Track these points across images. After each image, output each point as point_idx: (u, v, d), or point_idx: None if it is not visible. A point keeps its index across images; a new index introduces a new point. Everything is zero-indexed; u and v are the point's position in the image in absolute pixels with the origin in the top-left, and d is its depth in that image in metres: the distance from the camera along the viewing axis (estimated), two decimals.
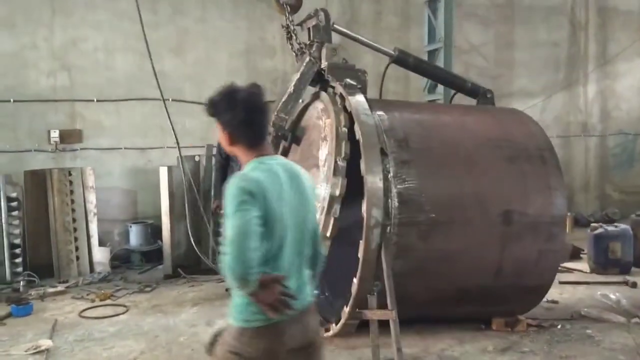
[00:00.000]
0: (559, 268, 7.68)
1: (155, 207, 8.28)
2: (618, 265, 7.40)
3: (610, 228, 7.61)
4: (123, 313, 6.08)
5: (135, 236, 8.48)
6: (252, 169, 2.36)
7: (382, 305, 4.37)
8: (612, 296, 6.14)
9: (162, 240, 8.09)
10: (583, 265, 7.86)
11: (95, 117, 8.76)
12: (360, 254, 4.37)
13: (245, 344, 2.30)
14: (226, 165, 6.93)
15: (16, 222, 7.56)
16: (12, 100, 8.21)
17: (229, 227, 2.16)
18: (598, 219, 10.76)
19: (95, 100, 8.74)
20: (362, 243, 4.36)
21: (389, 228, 4.47)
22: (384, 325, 4.33)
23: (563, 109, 12.06)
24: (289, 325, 2.33)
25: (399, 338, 4.18)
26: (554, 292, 6.49)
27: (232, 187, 2.24)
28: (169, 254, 7.83)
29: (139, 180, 8.91)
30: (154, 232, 8.49)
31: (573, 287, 6.85)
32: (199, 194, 8.30)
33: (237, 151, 2.46)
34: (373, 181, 4.40)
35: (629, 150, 12.17)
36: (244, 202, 2.19)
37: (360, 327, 4.71)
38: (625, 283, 6.86)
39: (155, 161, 8.81)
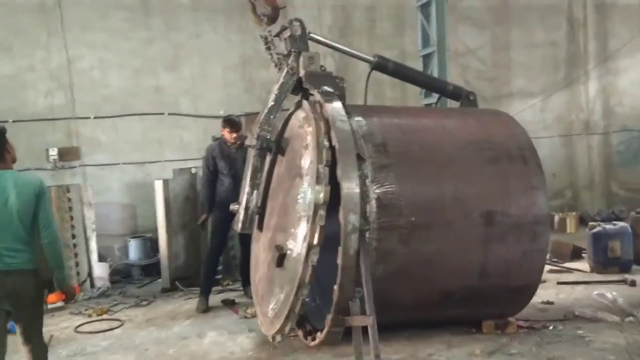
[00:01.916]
0: (559, 268, 7.69)
1: (155, 221, 8.36)
2: (618, 263, 7.29)
3: (608, 226, 7.51)
4: (117, 327, 6.14)
5: (134, 250, 8.57)
6: None
7: (365, 311, 4.35)
8: (609, 295, 6.04)
9: None
10: (584, 264, 7.77)
11: (92, 134, 8.91)
12: (339, 261, 4.36)
13: None
14: (214, 180, 6.84)
15: None
16: (10, 120, 8.38)
17: None
18: (605, 218, 10.62)
19: (92, 117, 8.89)
20: (340, 249, 4.34)
21: (367, 233, 4.45)
22: None
23: (564, 107, 11.97)
24: None
25: (378, 344, 4.15)
26: (551, 293, 6.46)
27: None
28: (167, 267, 7.88)
29: (138, 194, 9.03)
30: (153, 245, 8.56)
31: (571, 287, 6.77)
32: (196, 206, 8.38)
33: None
34: (349, 187, 4.39)
35: (633, 147, 11.97)
36: None
37: (348, 334, 4.70)
38: (624, 282, 6.76)
39: (153, 175, 8.90)
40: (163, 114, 9.29)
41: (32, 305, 3.95)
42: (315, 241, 4.41)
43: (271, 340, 5.00)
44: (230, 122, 6.86)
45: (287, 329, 4.74)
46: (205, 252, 7.19)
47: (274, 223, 5.25)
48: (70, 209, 7.95)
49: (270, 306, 4.96)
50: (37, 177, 4.27)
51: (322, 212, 4.44)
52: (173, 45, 9.48)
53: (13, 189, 3.85)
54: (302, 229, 4.58)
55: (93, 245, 8.11)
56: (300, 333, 5.10)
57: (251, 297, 6.79)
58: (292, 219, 4.82)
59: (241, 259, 7.09)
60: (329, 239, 4.45)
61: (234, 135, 6.79)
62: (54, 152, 8.61)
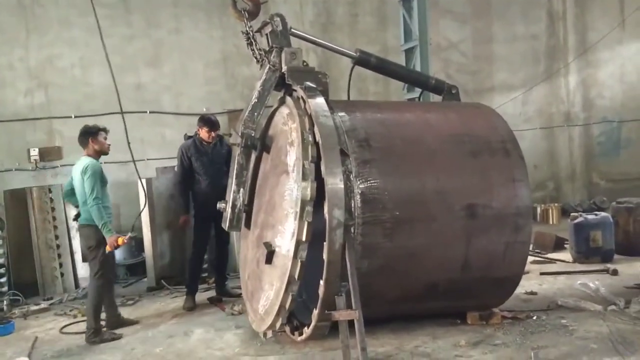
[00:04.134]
0: (542, 259, 7.78)
1: (139, 220, 8.29)
2: (599, 253, 7.40)
3: (590, 217, 7.62)
4: (103, 327, 6.08)
5: (119, 250, 8.36)
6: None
7: (351, 306, 4.37)
8: (592, 285, 6.13)
9: None
10: (566, 255, 7.87)
11: (74, 133, 8.60)
12: (324, 256, 4.37)
13: None
14: (190, 179, 6.70)
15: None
16: None
17: None
18: (586, 208, 10.77)
19: (73, 116, 8.78)
20: (325, 244, 4.36)
21: (352, 228, 4.47)
22: None
23: (545, 100, 12.10)
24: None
25: (364, 337, 4.18)
26: (534, 283, 6.54)
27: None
28: (152, 266, 7.85)
29: (121, 193, 8.91)
30: (138, 244, 8.49)
31: (554, 277, 6.85)
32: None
33: None
34: (333, 182, 4.40)
35: (614, 138, 12.17)
36: None
37: (335, 328, 4.71)
38: (606, 271, 6.86)
39: (136, 174, 8.81)
40: (145, 112, 9.22)
41: (88, 248, 5.72)
42: (304, 237, 4.43)
43: (262, 337, 5.01)
44: (210, 122, 6.73)
45: (278, 325, 4.76)
46: (189, 255, 7.04)
47: (261, 220, 5.25)
48: (53, 209, 7.89)
49: (261, 303, 4.97)
50: (88, 160, 5.67)
51: (309, 208, 4.46)
52: (153, 41, 9.41)
53: (76, 170, 5.66)
54: (290, 225, 4.59)
55: (77, 245, 8.05)
56: (287, 328, 5.12)
57: (229, 295, 6.83)
58: (280, 215, 4.82)
59: (215, 259, 7.05)
60: (314, 235, 4.47)
61: (213, 134, 6.70)
62: (35, 152, 8.51)
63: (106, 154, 5.93)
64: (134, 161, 6.15)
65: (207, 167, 6.66)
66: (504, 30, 11.76)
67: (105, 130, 5.95)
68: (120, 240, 5.54)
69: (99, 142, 5.79)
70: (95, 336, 5.54)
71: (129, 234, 5.70)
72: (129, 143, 6.06)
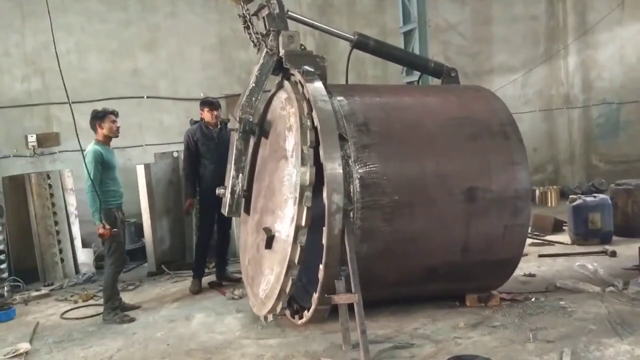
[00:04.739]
0: (541, 241, 7.81)
1: (138, 205, 8.30)
2: (598, 235, 7.43)
3: (588, 199, 7.63)
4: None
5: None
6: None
7: (351, 289, 4.39)
8: (590, 266, 6.17)
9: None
10: (565, 237, 7.90)
11: (71, 119, 8.72)
12: (324, 240, 4.39)
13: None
14: (196, 164, 6.74)
15: None
16: None
17: None
18: (585, 191, 10.78)
19: (70, 102, 8.72)
20: (325, 229, 4.37)
21: (351, 213, 4.48)
22: None
23: (544, 82, 12.05)
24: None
25: (364, 320, 4.20)
26: (533, 266, 6.57)
27: None
28: (152, 251, 7.87)
29: (120, 179, 8.92)
30: (138, 230, 8.51)
31: (552, 259, 6.89)
32: (180, 190, 8.32)
33: None
34: (332, 167, 4.40)
35: (613, 120, 12.13)
36: None
37: (336, 312, 4.74)
38: (605, 253, 6.89)
39: (134, 159, 8.82)
40: (142, 97, 9.18)
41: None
42: (303, 222, 4.44)
43: (263, 320, 5.05)
44: (209, 103, 6.83)
45: (278, 309, 4.80)
46: (196, 240, 7.18)
47: (260, 205, 5.26)
48: (52, 195, 7.89)
49: (261, 287, 5.00)
50: (91, 146, 5.73)
51: (308, 193, 4.46)
52: (149, 26, 9.33)
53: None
54: (289, 210, 4.60)
55: (76, 231, 8.08)
56: (287, 312, 5.15)
57: (229, 280, 6.87)
58: (279, 201, 4.83)
59: (217, 244, 7.06)
60: (313, 219, 4.48)
61: (215, 113, 6.74)
62: (32, 139, 8.48)
63: (116, 137, 5.98)
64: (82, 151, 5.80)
65: (213, 151, 6.67)
66: (503, 11, 11.67)
67: (114, 113, 5.95)
68: (101, 231, 5.65)
69: (106, 126, 5.82)
70: (110, 312, 5.69)
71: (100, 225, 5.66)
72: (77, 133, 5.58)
